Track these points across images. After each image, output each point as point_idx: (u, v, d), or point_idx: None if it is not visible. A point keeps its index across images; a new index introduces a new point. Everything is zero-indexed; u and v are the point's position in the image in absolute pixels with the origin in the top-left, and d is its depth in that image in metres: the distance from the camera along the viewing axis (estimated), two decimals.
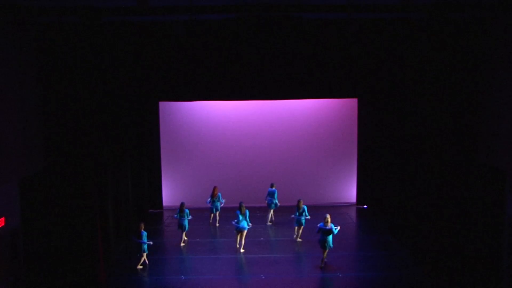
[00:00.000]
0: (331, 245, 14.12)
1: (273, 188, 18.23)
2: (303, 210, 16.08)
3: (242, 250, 15.38)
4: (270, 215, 18.34)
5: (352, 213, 19.93)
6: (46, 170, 12.89)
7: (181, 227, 16.15)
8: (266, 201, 18.29)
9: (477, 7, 11.28)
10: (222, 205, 18.26)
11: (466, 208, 13.10)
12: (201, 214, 18.61)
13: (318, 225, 14.29)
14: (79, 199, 12.93)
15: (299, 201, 16.27)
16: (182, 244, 16.18)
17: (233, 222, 15.31)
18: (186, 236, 16.48)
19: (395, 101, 16.28)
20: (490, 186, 12.71)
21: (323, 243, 14.07)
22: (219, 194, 18.17)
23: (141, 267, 14.33)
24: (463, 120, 13.05)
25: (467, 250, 13.14)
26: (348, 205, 20.66)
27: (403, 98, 15.17)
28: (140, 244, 14.26)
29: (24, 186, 12.15)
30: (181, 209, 16.11)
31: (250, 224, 15.43)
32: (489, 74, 12.64)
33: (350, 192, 20.78)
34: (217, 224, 18.23)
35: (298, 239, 16.36)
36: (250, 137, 20.31)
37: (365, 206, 20.49)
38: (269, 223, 18.20)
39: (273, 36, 12.96)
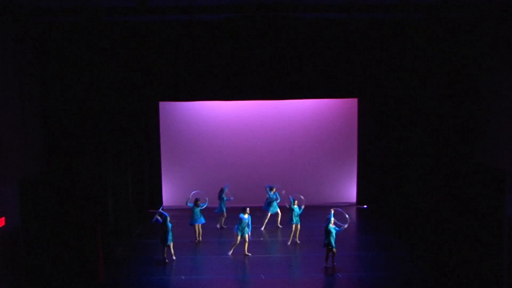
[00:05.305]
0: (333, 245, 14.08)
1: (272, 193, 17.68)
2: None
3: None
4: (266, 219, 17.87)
5: (352, 213, 19.90)
6: (46, 170, 12.89)
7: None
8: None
9: (477, 7, 11.28)
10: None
11: (466, 208, 13.09)
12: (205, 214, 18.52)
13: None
14: (79, 199, 12.94)
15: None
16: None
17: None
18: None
19: (395, 101, 16.26)
20: (490, 186, 12.71)
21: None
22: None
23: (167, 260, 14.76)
24: (463, 120, 13.03)
25: (467, 250, 13.14)
26: (348, 205, 20.64)
27: (403, 98, 15.17)
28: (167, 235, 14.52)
29: (24, 186, 12.15)
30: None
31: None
32: (489, 74, 12.64)
33: (350, 192, 20.78)
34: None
35: (297, 241, 16.16)
36: (250, 137, 20.29)
37: (365, 206, 20.49)
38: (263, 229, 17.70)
39: (273, 36, 12.96)
